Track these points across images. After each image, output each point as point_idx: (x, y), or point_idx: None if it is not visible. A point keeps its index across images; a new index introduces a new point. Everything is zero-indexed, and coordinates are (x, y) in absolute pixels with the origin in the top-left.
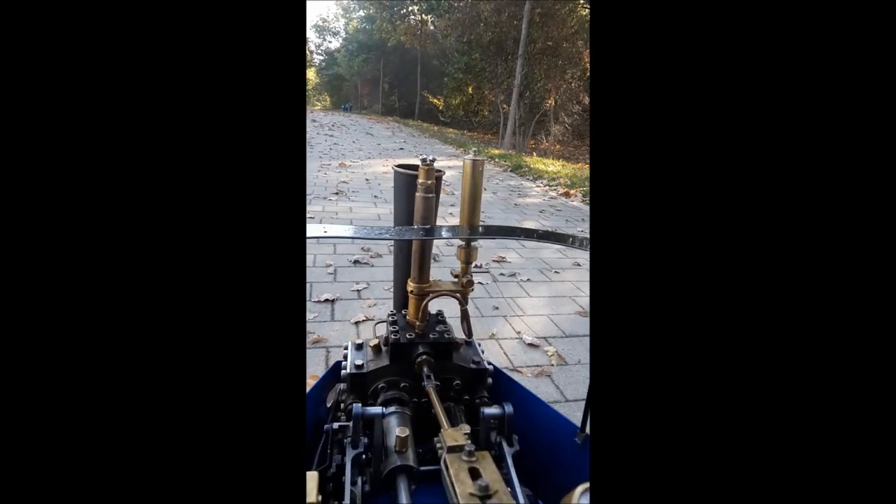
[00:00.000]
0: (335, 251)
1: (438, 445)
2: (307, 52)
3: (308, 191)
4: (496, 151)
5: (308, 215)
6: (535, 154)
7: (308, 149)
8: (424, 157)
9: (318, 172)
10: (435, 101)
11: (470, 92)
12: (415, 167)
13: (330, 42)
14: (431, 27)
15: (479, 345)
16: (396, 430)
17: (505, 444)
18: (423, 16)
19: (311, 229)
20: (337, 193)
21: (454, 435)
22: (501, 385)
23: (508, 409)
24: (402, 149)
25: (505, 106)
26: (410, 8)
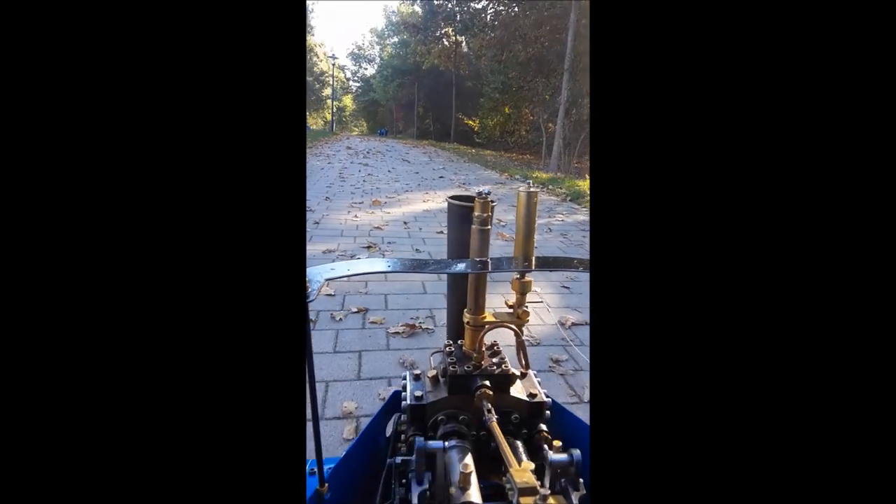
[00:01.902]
0: (359, 373)
1: (508, 486)
2: (344, 79)
3: (332, 245)
4: (544, 175)
5: (329, 291)
6: (587, 176)
7: (340, 182)
8: (480, 190)
9: (347, 215)
10: (470, 122)
11: (507, 112)
12: (468, 198)
13: (366, 69)
14: (465, 48)
15: (536, 376)
16: (459, 465)
17: (571, 490)
18: (458, 37)
19: (375, 264)
20: (369, 247)
21: (524, 476)
22: (560, 418)
23: (577, 455)
24: (441, 177)
25: (550, 125)
26: (444, 30)
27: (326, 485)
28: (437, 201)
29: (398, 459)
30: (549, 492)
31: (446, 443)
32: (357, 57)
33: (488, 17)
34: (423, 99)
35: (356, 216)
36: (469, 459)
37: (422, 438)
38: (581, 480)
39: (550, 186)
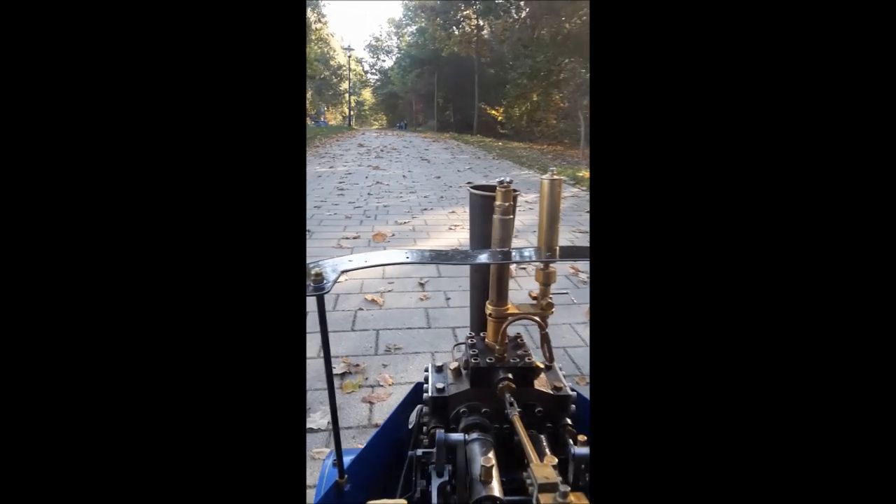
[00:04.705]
0: None
1: (529, 482)
2: (362, 72)
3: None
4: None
5: None
6: None
7: (336, 197)
8: (501, 178)
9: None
10: (493, 112)
11: (535, 99)
12: (491, 187)
13: (384, 61)
14: (487, 32)
15: (561, 369)
16: (481, 458)
17: None
18: (479, 20)
19: (394, 255)
20: (345, 375)
21: (545, 471)
22: (585, 412)
23: None
24: (469, 182)
25: None
26: (465, 12)
27: (346, 476)
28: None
29: (419, 451)
30: (569, 488)
31: (467, 436)
32: (375, 49)
33: None
34: (442, 89)
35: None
36: (491, 453)
37: (443, 431)
38: None
39: None
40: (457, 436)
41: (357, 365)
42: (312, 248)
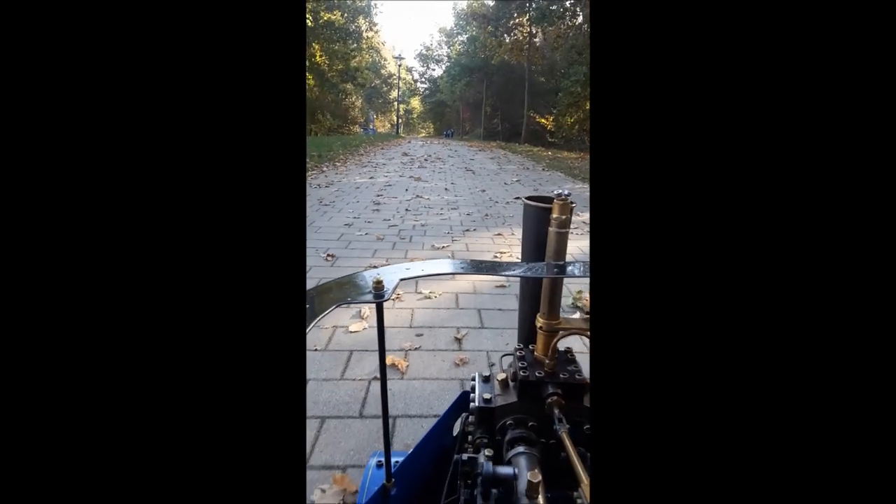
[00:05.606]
0: None
1: (580, 501)
2: (412, 81)
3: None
4: None
5: None
6: None
7: (371, 213)
8: (559, 191)
9: (347, 308)
10: (543, 120)
11: (588, 108)
12: (546, 198)
13: (433, 70)
14: (538, 40)
15: None
16: (527, 473)
17: None
18: (532, 27)
19: (449, 265)
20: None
21: None
22: None
23: None
24: (517, 198)
25: None
26: (517, 20)
27: (393, 480)
28: (517, 253)
29: (464, 457)
30: None
31: (516, 469)
32: (425, 58)
33: (569, 1)
34: (491, 97)
35: (360, 310)
36: (538, 469)
37: (490, 464)
38: None
39: None
40: (506, 470)
41: (355, 492)
42: (333, 277)
